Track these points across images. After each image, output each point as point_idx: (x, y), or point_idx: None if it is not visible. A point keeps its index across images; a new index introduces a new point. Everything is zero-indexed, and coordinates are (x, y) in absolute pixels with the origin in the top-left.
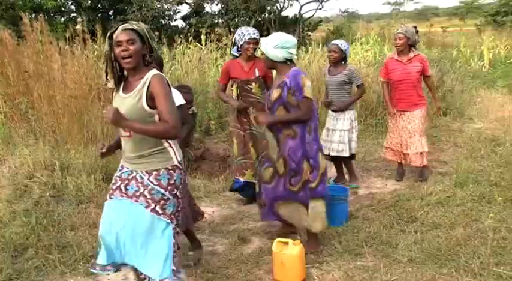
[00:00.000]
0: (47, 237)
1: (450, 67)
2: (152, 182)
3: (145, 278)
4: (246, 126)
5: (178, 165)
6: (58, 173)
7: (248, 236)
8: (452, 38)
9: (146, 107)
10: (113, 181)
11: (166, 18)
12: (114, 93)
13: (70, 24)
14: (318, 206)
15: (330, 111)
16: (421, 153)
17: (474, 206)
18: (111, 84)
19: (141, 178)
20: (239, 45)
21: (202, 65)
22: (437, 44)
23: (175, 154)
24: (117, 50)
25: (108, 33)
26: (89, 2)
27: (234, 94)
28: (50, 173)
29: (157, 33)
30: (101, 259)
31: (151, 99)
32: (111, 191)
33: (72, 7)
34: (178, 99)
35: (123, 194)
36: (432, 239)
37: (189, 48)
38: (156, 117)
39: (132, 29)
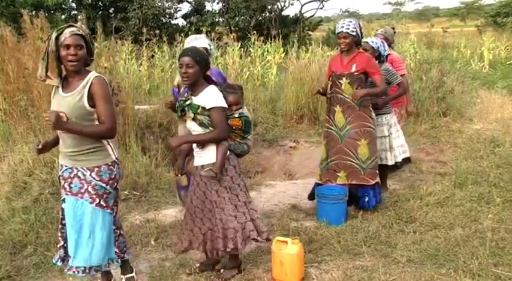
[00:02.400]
0: (45, 234)
1: (450, 68)
2: (94, 178)
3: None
4: (327, 124)
5: (116, 160)
6: (57, 171)
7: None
8: (452, 39)
9: (87, 106)
10: (59, 181)
11: (167, 16)
12: (54, 90)
13: (71, 22)
14: None
15: None
16: None
17: (473, 207)
18: (55, 82)
19: (83, 174)
20: None
21: None
22: (438, 44)
23: (113, 151)
24: (64, 52)
25: (55, 34)
26: None
27: (328, 88)
28: (49, 170)
29: (157, 31)
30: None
31: (92, 99)
32: (61, 191)
33: (73, 4)
34: (219, 101)
35: (68, 193)
36: (431, 240)
37: None
38: (96, 115)
39: (80, 35)
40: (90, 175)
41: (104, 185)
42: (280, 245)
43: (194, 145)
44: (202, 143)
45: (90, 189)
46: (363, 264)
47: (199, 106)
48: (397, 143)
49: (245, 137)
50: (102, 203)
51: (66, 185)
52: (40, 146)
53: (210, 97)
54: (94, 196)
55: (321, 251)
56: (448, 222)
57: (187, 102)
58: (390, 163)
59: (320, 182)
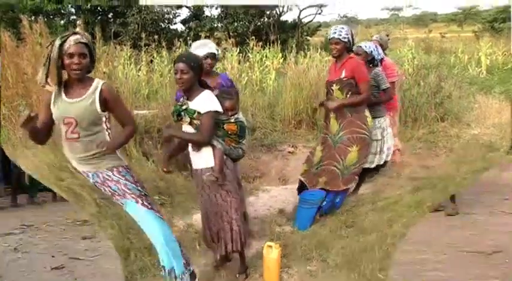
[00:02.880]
0: (135, 239)
1: (448, 73)
2: (120, 178)
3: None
4: (325, 130)
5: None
6: (75, 175)
7: (247, 240)
8: (450, 44)
9: (99, 110)
10: (100, 190)
11: (166, 21)
12: (53, 97)
13: (70, 27)
14: None
15: None
16: None
17: (402, 212)
18: (52, 88)
19: (108, 175)
20: None
21: None
22: (436, 49)
23: (121, 155)
24: (68, 61)
25: (59, 42)
26: (89, 4)
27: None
28: (69, 175)
29: (156, 36)
30: None
31: (103, 104)
32: (112, 199)
33: (72, 10)
34: (214, 105)
35: (120, 195)
36: (352, 245)
37: None
38: (104, 119)
39: (84, 43)
40: (113, 174)
41: (133, 185)
42: (268, 249)
43: (190, 148)
44: (198, 147)
45: (124, 188)
46: (311, 269)
47: (195, 111)
48: (385, 147)
49: (240, 142)
50: (146, 204)
51: (110, 191)
52: (33, 114)
53: (205, 102)
54: (133, 196)
55: (291, 255)
56: (373, 227)
57: (184, 107)
58: (373, 166)
59: (302, 178)
